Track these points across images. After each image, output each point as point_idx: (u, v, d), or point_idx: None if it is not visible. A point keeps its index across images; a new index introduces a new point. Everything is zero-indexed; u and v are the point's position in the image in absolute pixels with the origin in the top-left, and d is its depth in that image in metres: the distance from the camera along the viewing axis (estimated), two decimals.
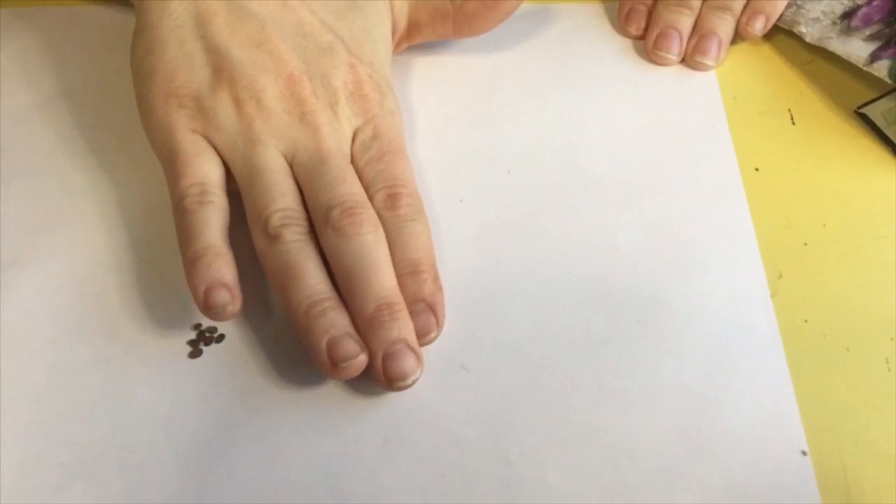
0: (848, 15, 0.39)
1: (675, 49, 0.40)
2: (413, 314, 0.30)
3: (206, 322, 0.32)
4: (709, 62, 0.40)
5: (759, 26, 0.40)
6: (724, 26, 0.40)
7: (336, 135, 0.32)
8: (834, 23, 0.39)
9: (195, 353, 0.31)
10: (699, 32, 0.40)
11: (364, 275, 0.29)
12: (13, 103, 0.38)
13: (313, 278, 0.30)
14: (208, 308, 0.29)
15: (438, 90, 0.39)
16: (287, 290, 0.30)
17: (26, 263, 0.33)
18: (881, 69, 0.38)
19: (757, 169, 0.37)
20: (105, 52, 0.40)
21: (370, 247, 0.30)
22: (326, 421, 0.30)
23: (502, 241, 0.34)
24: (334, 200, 0.30)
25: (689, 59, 0.40)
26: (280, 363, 0.31)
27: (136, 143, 0.36)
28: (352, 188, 0.31)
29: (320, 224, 0.31)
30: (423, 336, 0.30)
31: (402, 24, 0.38)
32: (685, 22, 0.40)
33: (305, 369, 0.31)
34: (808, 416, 0.30)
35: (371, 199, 0.32)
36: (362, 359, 0.29)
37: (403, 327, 0.29)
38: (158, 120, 0.32)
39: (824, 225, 0.35)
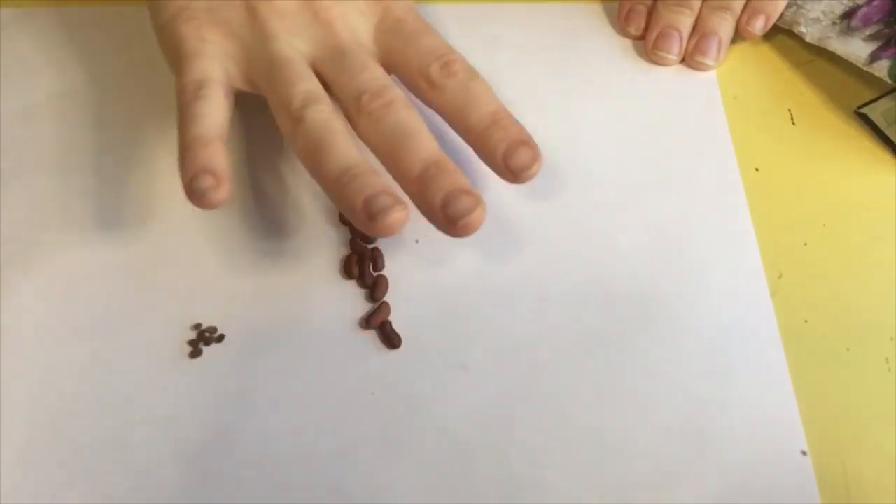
0: (848, 15, 0.39)
1: (675, 49, 0.40)
2: (512, 152, 0.30)
3: (206, 322, 0.32)
4: (709, 62, 0.40)
5: (759, 26, 0.40)
6: (724, 26, 0.40)
7: (352, 27, 0.33)
8: (834, 23, 0.39)
9: (195, 353, 0.31)
10: (699, 32, 0.40)
11: (405, 144, 0.30)
12: (13, 103, 0.38)
13: (342, 148, 0.29)
14: (191, 194, 0.29)
15: None
16: (318, 165, 0.29)
17: (26, 263, 0.33)
18: (881, 69, 0.38)
19: (757, 169, 0.37)
20: (105, 52, 0.40)
21: (405, 120, 0.30)
22: (326, 421, 0.30)
23: (502, 242, 0.34)
24: (361, 87, 0.31)
25: (690, 59, 0.40)
26: (280, 363, 0.31)
27: (137, 142, 0.36)
28: (374, 73, 0.31)
29: (353, 114, 0.31)
30: (527, 168, 0.30)
31: None
32: (685, 22, 0.40)
33: (305, 369, 0.31)
34: (808, 416, 0.30)
35: (426, 73, 0.32)
36: (400, 213, 0.28)
37: (455, 176, 0.29)
38: (170, 35, 0.32)
39: (824, 225, 0.35)
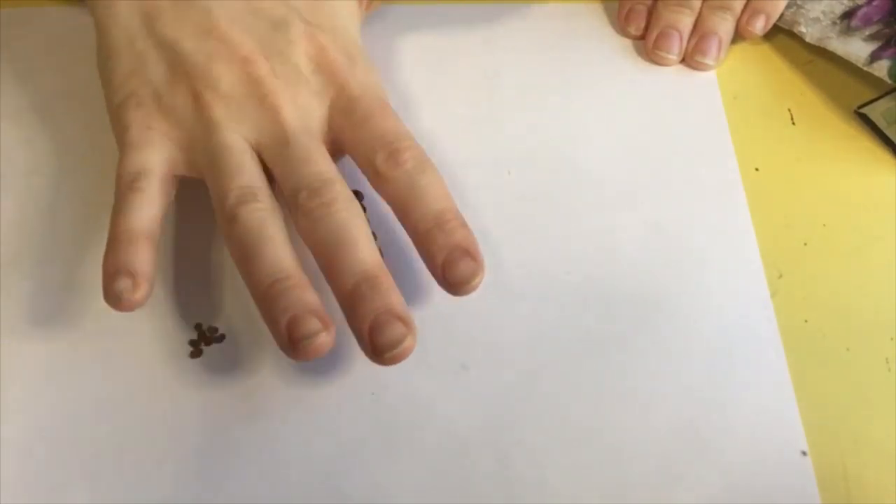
0: (848, 15, 0.39)
1: (675, 49, 0.40)
2: (451, 264, 0.28)
3: (207, 321, 0.32)
4: (709, 62, 0.40)
5: (759, 26, 0.40)
6: (724, 26, 0.40)
7: (300, 112, 0.31)
8: (834, 23, 0.39)
9: (195, 352, 0.31)
10: (699, 32, 0.40)
11: (339, 252, 0.28)
12: (13, 103, 0.38)
13: (273, 256, 0.28)
14: (106, 295, 0.28)
15: (438, 90, 0.39)
16: (247, 272, 0.28)
17: (26, 263, 0.33)
18: (881, 69, 0.38)
19: (757, 169, 0.37)
20: None
21: (343, 223, 0.28)
22: (326, 421, 0.30)
23: (502, 242, 0.34)
24: (301, 182, 0.29)
25: (689, 59, 0.40)
26: (280, 363, 0.31)
27: None
28: (318, 167, 0.30)
29: (292, 211, 0.29)
30: (466, 283, 0.28)
31: None
32: (685, 22, 0.40)
33: (305, 369, 0.31)
34: (809, 416, 0.30)
35: (372, 162, 0.30)
36: (325, 338, 0.27)
37: (388, 297, 0.27)
38: (117, 120, 0.32)
39: (824, 225, 0.35)
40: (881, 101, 0.38)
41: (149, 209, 0.29)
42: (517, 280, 0.33)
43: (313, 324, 0.27)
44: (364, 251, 0.28)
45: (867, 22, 0.39)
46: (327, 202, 0.29)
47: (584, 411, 0.30)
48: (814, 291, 0.33)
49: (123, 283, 0.28)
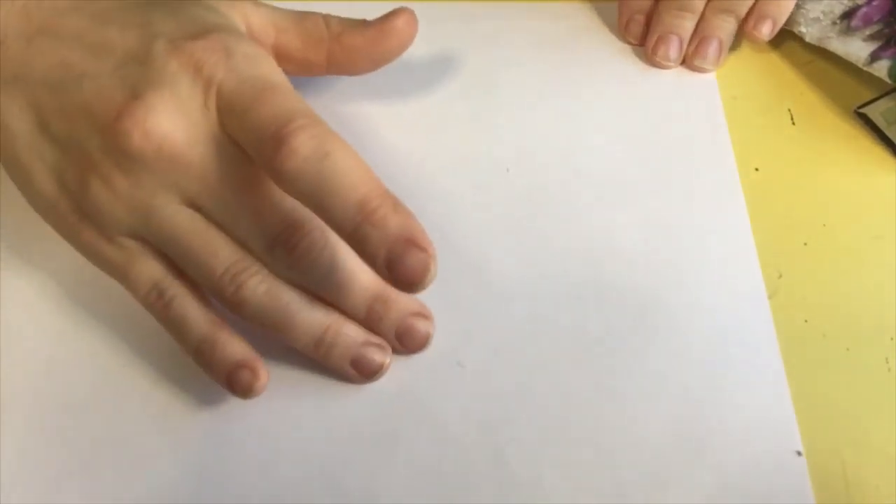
0: (848, 15, 0.39)
1: (674, 54, 0.39)
2: (395, 261, 0.24)
3: None
4: (708, 66, 0.40)
5: (766, 31, 0.39)
6: (726, 29, 0.39)
7: (200, 147, 0.26)
8: (834, 23, 0.39)
9: None
10: (700, 35, 0.40)
11: (340, 293, 0.28)
12: None
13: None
14: (235, 390, 0.28)
15: (438, 89, 0.39)
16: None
17: (26, 260, 0.33)
18: (881, 69, 0.38)
19: (757, 169, 0.37)
20: None
21: (332, 267, 0.27)
22: (324, 419, 0.30)
23: (499, 240, 0.34)
24: (265, 232, 0.27)
25: (689, 62, 0.40)
26: (276, 360, 0.31)
27: None
28: (265, 208, 0.27)
29: (267, 264, 0.27)
30: (420, 278, 0.24)
31: (267, 45, 0.31)
32: (686, 26, 0.40)
33: (304, 368, 0.31)
34: (809, 417, 0.30)
35: (264, 160, 0.25)
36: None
37: (405, 301, 0.29)
38: (74, 244, 0.29)
39: (824, 225, 0.35)
40: (881, 101, 0.38)
41: (195, 303, 0.28)
42: (514, 278, 0.33)
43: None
44: (364, 279, 0.28)
45: (867, 22, 0.39)
46: (306, 249, 0.27)
47: (580, 410, 0.30)
48: (814, 291, 0.33)
49: (246, 375, 0.27)
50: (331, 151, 0.24)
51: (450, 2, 0.42)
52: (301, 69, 0.32)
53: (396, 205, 0.24)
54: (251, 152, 0.26)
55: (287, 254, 0.27)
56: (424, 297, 0.32)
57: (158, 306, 0.28)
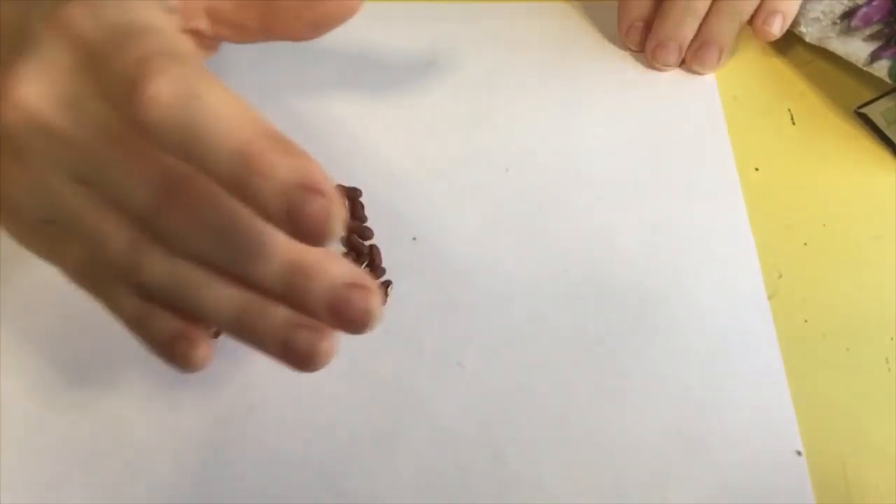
0: (848, 15, 0.39)
1: (673, 60, 0.39)
2: (294, 216, 0.20)
3: None
4: (706, 71, 0.39)
5: (777, 26, 0.39)
6: (728, 34, 0.39)
7: (72, 111, 0.23)
8: (834, 23, 0.39)
9: None
10: (701, 39, 0.39)
11: (247, 263, 0.23)
12: None
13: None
14: (174, 361, 0.25)
15: (438, 89, 0.39)
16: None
17: (26, 257, 0.33)
18: (881, 69, 0.38)
19: (757, 169, 0.37)
20: None
21: (225, 231, 0.23)
22: (323, 419, 0.30)
23: (500, 240, 0.34)
24: (146, 198, 0.23)
25: (688, 66, 0.40)
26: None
27: None
28: (148, 167, 0.23)
29: (161, 236, 0.23)
30: (325, 227, 0.20)
31: (199, 7, 0.28)
32: (686, 33, 0.39)
33: None
34: (809, 417, 0.30)
35: (123, 108, 0.22)
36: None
37: (332, 266, 0.23)
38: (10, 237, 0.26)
39: (824, 225, 0.35)
40: (881, 101, 0.38)
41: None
42: (514, 278, 0.33)
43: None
44: (276, 244, 0.23)
45: (867, 22, 0.39)
46: (187, 215, 0.23)
47: (580, 410, 0.30)
48: (814, 291, 0.33)
49: (182, 346, 0.25)
50: (199, 94, 0.20)
51: (450, 2, 0.42)
52: (237, 33, 0.29)
53: (286, 146, 0.21)
54: (115, 107, 0.22)
55: (170, 220, 0.23)
56: (425, 298, 0.32)
57: (94, 292, 0.25)
